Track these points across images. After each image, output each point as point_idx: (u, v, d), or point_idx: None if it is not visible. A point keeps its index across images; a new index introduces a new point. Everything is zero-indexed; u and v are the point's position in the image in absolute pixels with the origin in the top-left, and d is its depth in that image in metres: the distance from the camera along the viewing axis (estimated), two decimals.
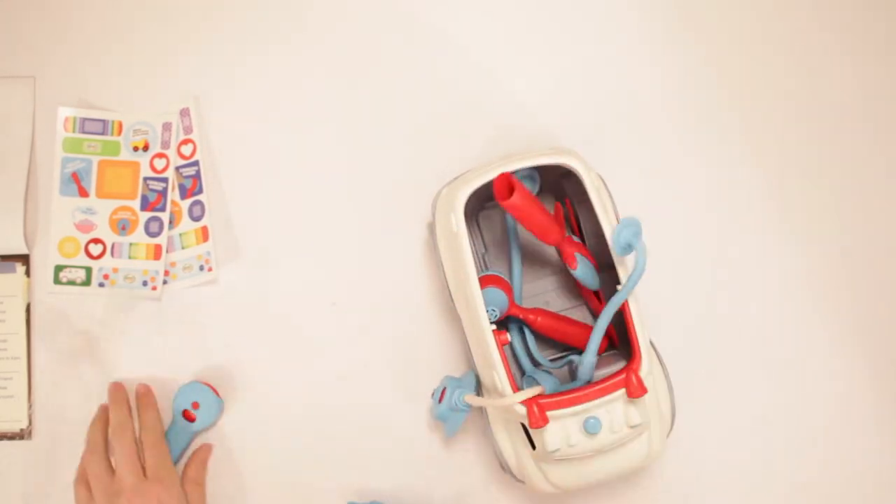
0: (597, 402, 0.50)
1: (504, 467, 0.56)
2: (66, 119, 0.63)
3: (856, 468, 0.61)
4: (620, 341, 0.58)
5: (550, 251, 0.61)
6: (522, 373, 0.58)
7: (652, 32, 0.65)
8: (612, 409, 0.50)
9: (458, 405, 0.55)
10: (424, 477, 0.61)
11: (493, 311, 0.55)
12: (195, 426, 0.60)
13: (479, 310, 0.51)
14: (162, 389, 0.61)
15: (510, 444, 0.55)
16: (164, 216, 0.63)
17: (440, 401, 0.56)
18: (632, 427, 0.50)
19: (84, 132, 0.63)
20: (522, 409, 0.50)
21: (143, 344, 0.62)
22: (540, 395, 0.50)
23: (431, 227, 0.60)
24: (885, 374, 0.62)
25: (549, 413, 0.49)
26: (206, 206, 0.63)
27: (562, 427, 0.50)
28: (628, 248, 0.49)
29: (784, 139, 0.64)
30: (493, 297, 0.55)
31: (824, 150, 0.64)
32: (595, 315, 0.60)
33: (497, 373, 0.51)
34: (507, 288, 0.56)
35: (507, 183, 0.51)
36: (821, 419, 0.62)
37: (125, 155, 0.63)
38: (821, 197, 0.64)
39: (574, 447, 0.50)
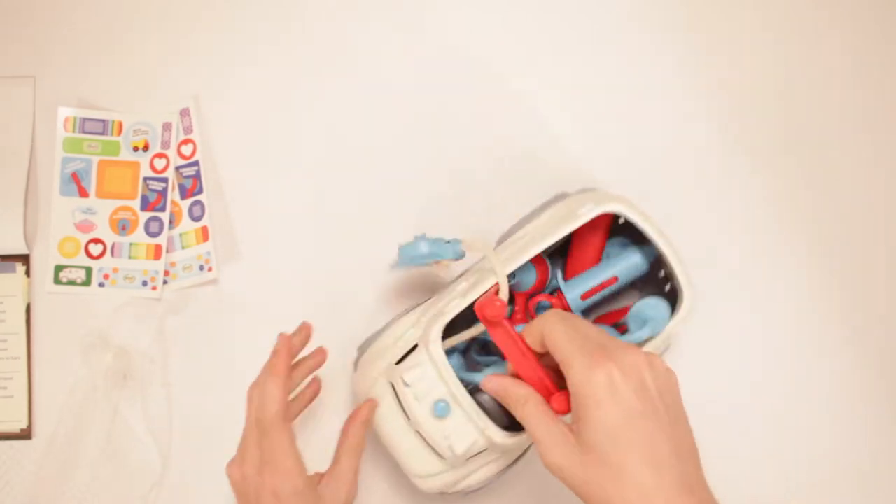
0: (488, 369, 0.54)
1: (363, 346, 0.58)
2: (66, 119, 0.63)
3: (856, 466, 0.61)
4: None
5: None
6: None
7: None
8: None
9: (454, 246, 0.53)
10: None
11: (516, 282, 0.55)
12: None
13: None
14: (163, 389, 0.61)
15: (396, 336, 0.55)
16: (164, 216, 0.63)
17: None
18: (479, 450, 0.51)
19: (84, 132, 0.63)
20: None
21: (144, 344, 0.62)
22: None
23: (556, 197, 0.60)
24: (884, 373, 0.62)
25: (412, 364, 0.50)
26: (206, 206, 0.63)
27: (428, 381, 0.50)
28: (643, 324, 0.52)
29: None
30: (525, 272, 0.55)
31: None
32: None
33: (462, 300, 0.52)
34: (544, 271, 0.56)
35: (493, 310, 0.48)
36: (818, 416, 0.62)
37: (125, 155, 0.63)
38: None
39: (416, 402, 0.50)
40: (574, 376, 0.41)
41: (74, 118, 0.63)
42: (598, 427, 0.40)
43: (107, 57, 0.64)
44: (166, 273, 0.63)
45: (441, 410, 0.49)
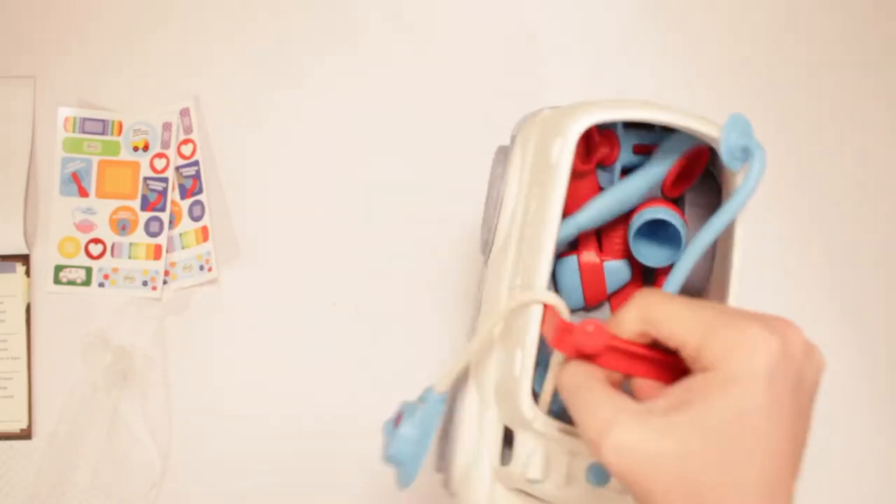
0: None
1: (440, 464, 0.43)
2: (66, 119, 0.63)
3: (856, 465, 0.61)
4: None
5: None
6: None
7: None
8: None
9: (429, 399, 0.39)
10: None
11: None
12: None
13: (543, 262, 0.38)
14: (163, 389, 0.61)
15: (474, 434, 0.41)
16: (164, 216, 0.63)
17: (396, 425, 0.39)
18: None
19: (84, 132, 0.63)
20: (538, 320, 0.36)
21: (144, 344, 0.62)
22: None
23: (500, 155, 0.47)
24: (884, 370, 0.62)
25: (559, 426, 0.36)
26: (206, 206, 0.63)
27: (557, 456, 0.38)
28: (745, 152, 0.36)
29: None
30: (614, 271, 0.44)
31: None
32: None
33: (523, 350, 0.37)
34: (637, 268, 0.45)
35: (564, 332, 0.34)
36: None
37: (125, 155, 0.63)
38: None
39: (560, 489, 0.38)
40: (716, 350, 0.29)
41: (74, 118, 0.63)
42: (732, 409, 0.28)
43: (107, 57, 0.64)
44: (166, 273, 0.63)
45: (597, 476, 0.37)
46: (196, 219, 0.63)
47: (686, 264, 0.37)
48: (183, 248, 0.63)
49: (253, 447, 0.61)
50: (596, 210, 0.43)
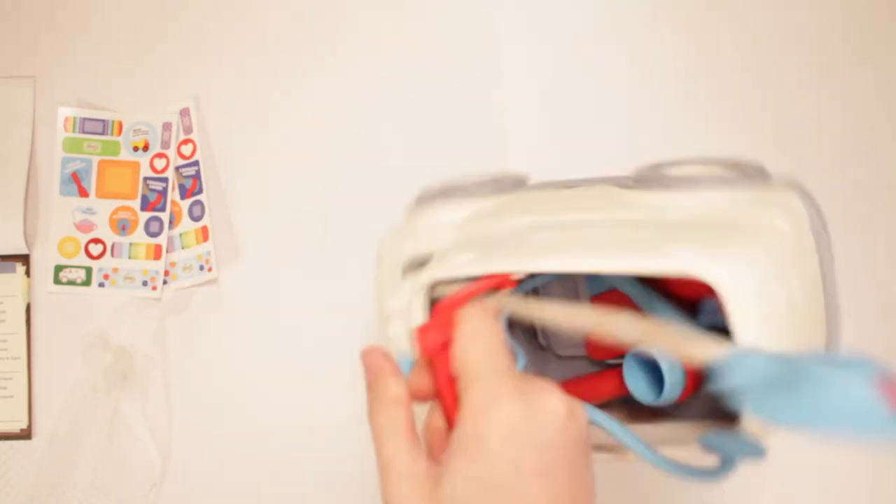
0: None
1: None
2: (66, 119, 0.63)
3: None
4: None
5: None
6: None
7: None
8: None
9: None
10: None
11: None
12: None
13: None
14: (163, 389, 0.61)
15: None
16: (164, 216, 0.63)
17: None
18: None
19: (84, 132, 0.63)
20: None
21: (144, 344, 0.62)
22: None
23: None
24: None
25: None
26: (206, 206, 0.63)
27: None
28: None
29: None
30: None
31: None
32: None
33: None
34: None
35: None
36: None
37: (125, 155, 0.63)
38: None
39: None
40: (464, 412, 0.31)
41: (74, 118, 0.63)
42: (475, 480, 0.30)
43: (107, 57, 0.64)
44: (166, 273, 0.63)
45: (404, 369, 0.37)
46: (196, 219, 0.63)
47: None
48: (183, 248, 0.63)
49: (253, 447, 0.61)
50: None
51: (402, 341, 0.38)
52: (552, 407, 0.31)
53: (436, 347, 0.33)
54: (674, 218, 0.37)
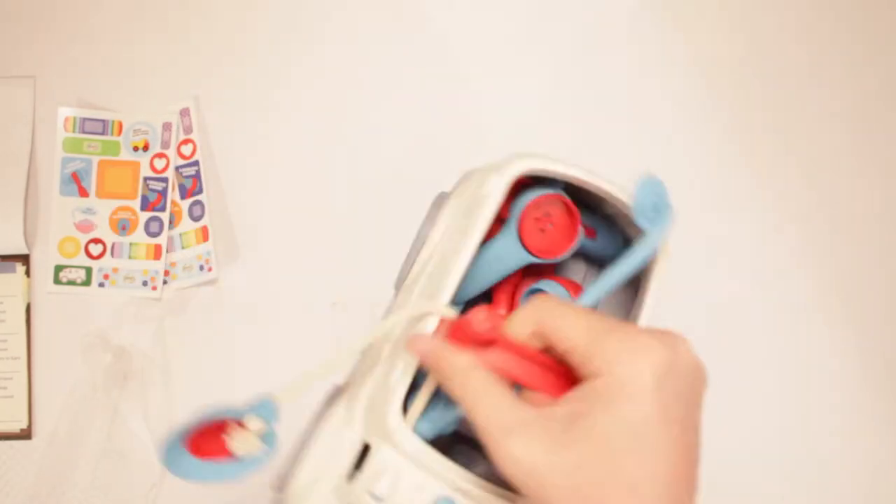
0: None
1: (279, 482, 0.42)
2: (66, 119, 0.63)
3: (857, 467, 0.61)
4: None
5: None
6: None
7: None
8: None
9: (265, 410, 0.40)
10: None
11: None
12: None
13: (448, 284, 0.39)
14: (163, 389, 0.61)
15: (327, 452, 0.40)
16: (164, 216, 0.63)
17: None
18: None
19: (84, 132, 0.63)
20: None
21: (144, 344, 0.62)
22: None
23: (438, 199, 0.49)
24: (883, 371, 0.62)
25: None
26: (206, 206, 0.63)
27: (409, 478, 0.36)
28: (656, 212, 0.37)
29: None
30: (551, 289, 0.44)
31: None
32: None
33: (406, 361, 0.37)
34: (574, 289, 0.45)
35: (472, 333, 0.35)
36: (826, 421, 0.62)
37: (125, 155, 0.63)
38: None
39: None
40: (605, 356, 0.30)
41: (74, 118, 0.63)
42: (623, 417, 0.29)
43: (107, 57, 0.64)
44: (166, 273, 0.63)
45: None
46: (196, 219, 0.63)
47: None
48: (183, 248, 0.63)
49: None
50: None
51: (418, 486, 0.37)
52: (693, 360, 0.31)
53: (486, 334, 0.34)
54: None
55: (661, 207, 0.36)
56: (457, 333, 0.35)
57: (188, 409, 0.61)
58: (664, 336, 0.31)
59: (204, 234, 0.63)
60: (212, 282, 0.62)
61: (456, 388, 0.33)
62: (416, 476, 0.36)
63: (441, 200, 0.48)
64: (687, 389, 0.30)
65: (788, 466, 0.61)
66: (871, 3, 0.65)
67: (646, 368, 0.30)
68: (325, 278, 0.62)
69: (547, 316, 0.33)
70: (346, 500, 0.38)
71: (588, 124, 0.64)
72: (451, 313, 0.37)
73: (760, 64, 0.65)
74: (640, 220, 0.36)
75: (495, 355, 0.34)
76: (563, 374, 0.34)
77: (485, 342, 0.34)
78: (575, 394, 0.31)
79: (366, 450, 0.38)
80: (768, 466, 0.61)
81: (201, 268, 0.62)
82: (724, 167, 0.64)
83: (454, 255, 0.40)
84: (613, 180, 0.42)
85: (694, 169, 0.64)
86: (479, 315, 0.34)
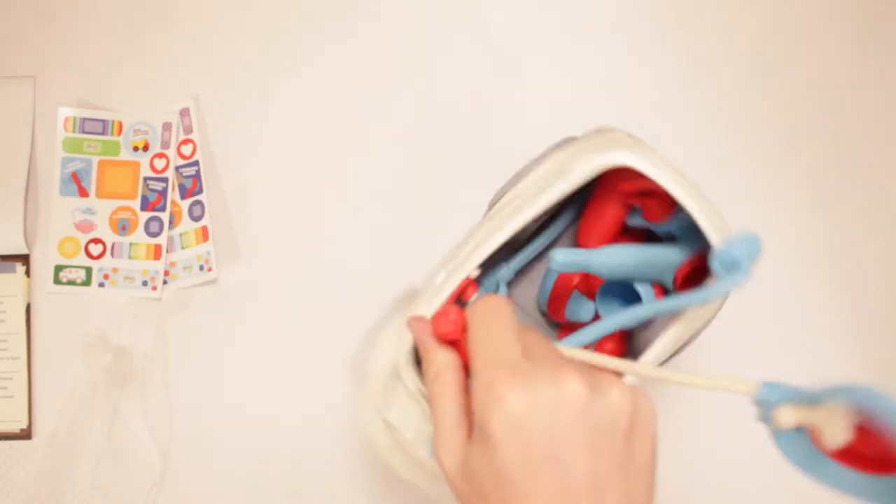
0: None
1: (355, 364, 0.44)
2: (66, 119, 0.63)
3: None
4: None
5: None
6: None
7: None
8: None
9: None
10: None
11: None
12: None
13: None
14: (163, 389, 0.61)
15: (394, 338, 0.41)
16: (164, 216, 0.63)
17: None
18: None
19: (84, 132, 0.63)
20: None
21: (144, 344, 0.62)
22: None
23: (560, 142, 0.47)
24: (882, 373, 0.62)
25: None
26: (206, 206, 0.63)
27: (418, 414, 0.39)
28: (734, 267, 0.36)
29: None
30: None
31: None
32: None
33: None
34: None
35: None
36: None
37: (125, 155, 0.63)
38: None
39: (411, 444, 0.39)
40: (475, 403, 0.32)
41: (74, 118, 0.63)
42: (485, 465, 0.31)
43: (107, 57, 0.64)
44: (166, 273, 0.63)
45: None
46: (196, 219, 0.63)
47: (597, 331, 0.38)
48: (183, 248, 0.63)
49: (253, 447, 0.61)
50: (614, 259, 0.42)
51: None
52: (567, 391, 0.30)
53: (448, 334, 0.35)
54: (541, 179, 0.43)
55: (742, 265, 0.36)
56: (437, 317, 0.36)
57: (188, 409, 0.62)
58: (533, 375, 0.31)
59: (204, 234, 0.63)
60: (212, 282, 0.62)
61: (431, 385, 0.35)
62: (417, 414, 0.39)
63: (561, 143, 0.47)
64: (561, 422, 0.30)
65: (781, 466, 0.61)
66: (873, 2, 0.65)
67: (494, 418, 0.31)
68: (325, 278, 0.62)
69: (472, 319, 0.35)
70: (380, 413, 0.41)
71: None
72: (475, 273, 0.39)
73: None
74: (716, 266, 0.36)
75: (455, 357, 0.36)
76: None
77: (450, 342, 0.35)
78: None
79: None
80: (767, 465, 0.61)
81: (201, 268, 0.62)
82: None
83: (512, 214, 0.40)
84: (714, 211, 0.39)
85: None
86: (450, 315, 0.35)
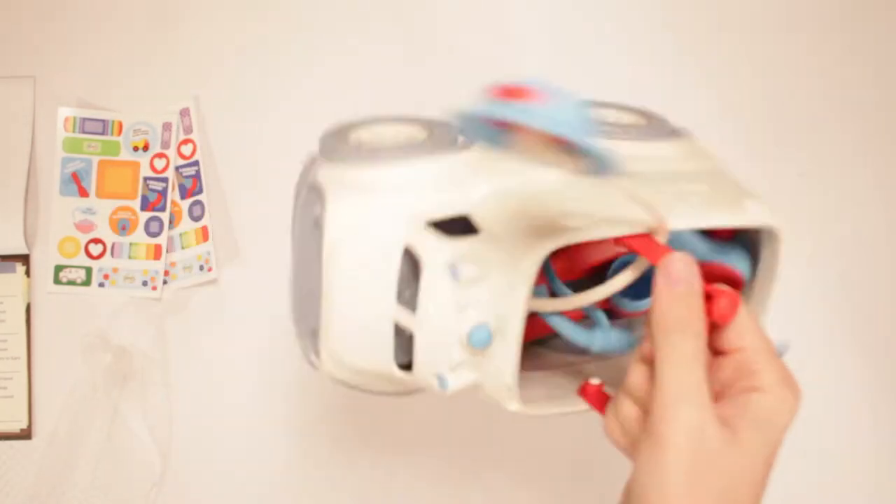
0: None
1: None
2: (66, 119, 0.63)
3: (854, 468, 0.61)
4: None
5: None
6: None
7: None
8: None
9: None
10: None
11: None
12: None
13: None
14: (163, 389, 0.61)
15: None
16: (164, 216, 0.63)
17: None
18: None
19: (84, 132, 0.63)
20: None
21: (144, 344, 0.62)
22: None
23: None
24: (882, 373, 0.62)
25: None
26: (206, 206, 0.63)
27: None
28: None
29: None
30: None
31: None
32: None
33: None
34: None
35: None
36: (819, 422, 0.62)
37: (125, 155, 0.63)
38: None
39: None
40: (768, 382, 0.33)
41: (74, 118, 0.63)
42: (766, 444, 0.32)
43: (107, 57, 0.64)
44: (166, 273, 0.63)
45: (479, 340, 0.34)
46: (196, 219, 0.63)
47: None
48: (183, 248, 0.63)
49: (253, 447, 0.61)
50: None
51: (492, 303, 0.34)
52: (751, 446, 0.32)
53: (722, 316, 0.33)
54: (683, 168, 0.40)
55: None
56: (709, 283, 0.33)
57: (188, 409, 0.62)
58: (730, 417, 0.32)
59: (204, 234, 0.63)
60: (212, 282, 0.62)
61: (672, 333, 0.33)
62: (498, 291, 0.34)
63: (679, 132, 0.43)
64: (738, 473, 0.32)
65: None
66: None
67: (793, 406, 0.32)
68: None
69: (744, 314, 0.34)
70: (415, 235, 0.36)
71: None
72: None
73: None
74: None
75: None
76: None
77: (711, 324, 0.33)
78: (738, 400, 0.33)
79: (461, 221, 0.36)
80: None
81: (201, 268, 0.62)
82: None
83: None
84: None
85: None
86: (725, 296, 0.33)
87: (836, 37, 0.65)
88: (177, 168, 0.63)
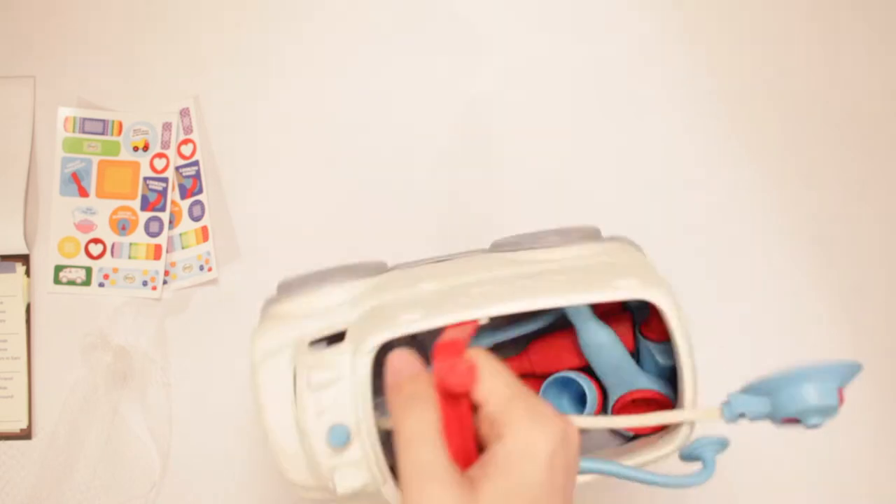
0: None
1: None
2: (66, 119, 0.63)
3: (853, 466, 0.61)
4: None
5: None
6: None
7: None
8: None
9: None
10: None
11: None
12: None
13: None
14: (163, 389, 0.61)
15: None
16: (164, 216, 0.63)
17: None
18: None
19: (84, 132, 0.63)
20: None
21: (144, 344, 0.62)
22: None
23: (589, 232, 0.49)
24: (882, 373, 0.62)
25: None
26: (206, 206, 0.63)
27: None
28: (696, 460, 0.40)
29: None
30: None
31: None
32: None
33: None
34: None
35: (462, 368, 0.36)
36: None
37: (125, 155, 0.63)
38: None
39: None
40: (509, 426, 0.34)
41: (74, 118, 0.63)
42: (520, 485, 0.33)
43: (107, 57, 0.64)
44: (166, 273, 0.63)
45: (337, 440, 0.39)
46: (196, 219, 0.63)
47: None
48: (183, 248, 0.63)
49: (253, 447, 0.61)
50: None
51: (343, 405, 0.40)
52: (573, 431, 0.35)
53: (459, 384, 0.35)
54: (574, 265, 0.45)
55: (707, 463, 0.40)
56: (445, 368, 0.35)
57: (188, 409, 0.62)
58: (559, 414, 0.35)
59: (204, 234, 0.63)
60: (212, 282, 0.62)
61: (407, 415, 0.35)
62: (345, 395, 0.39)
63: (594, 232, 0.49)
64: (572, 463, 0.35)
65: (781, 458, 0.61)
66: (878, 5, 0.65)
67: (539, 439, 0.34)
68: None
69: (487, 376, 0.36)
70: (294, 357, 0.42)
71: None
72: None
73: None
74: (683, 456, 0.41)
75: (451, 407, 0.35)
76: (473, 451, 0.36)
77: (451, 395, 0.35)
78: (483, 458, 0.34)
79: (341, 336, 0.42)
80: (765, 464, 0.61)
81: (201, 268, 0.62)
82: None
83: (558, 291, 0.41)
84: (694, 379, 0.42)
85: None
86: (460, 366, 0.35)
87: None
88: (177, 168, 0.63)
